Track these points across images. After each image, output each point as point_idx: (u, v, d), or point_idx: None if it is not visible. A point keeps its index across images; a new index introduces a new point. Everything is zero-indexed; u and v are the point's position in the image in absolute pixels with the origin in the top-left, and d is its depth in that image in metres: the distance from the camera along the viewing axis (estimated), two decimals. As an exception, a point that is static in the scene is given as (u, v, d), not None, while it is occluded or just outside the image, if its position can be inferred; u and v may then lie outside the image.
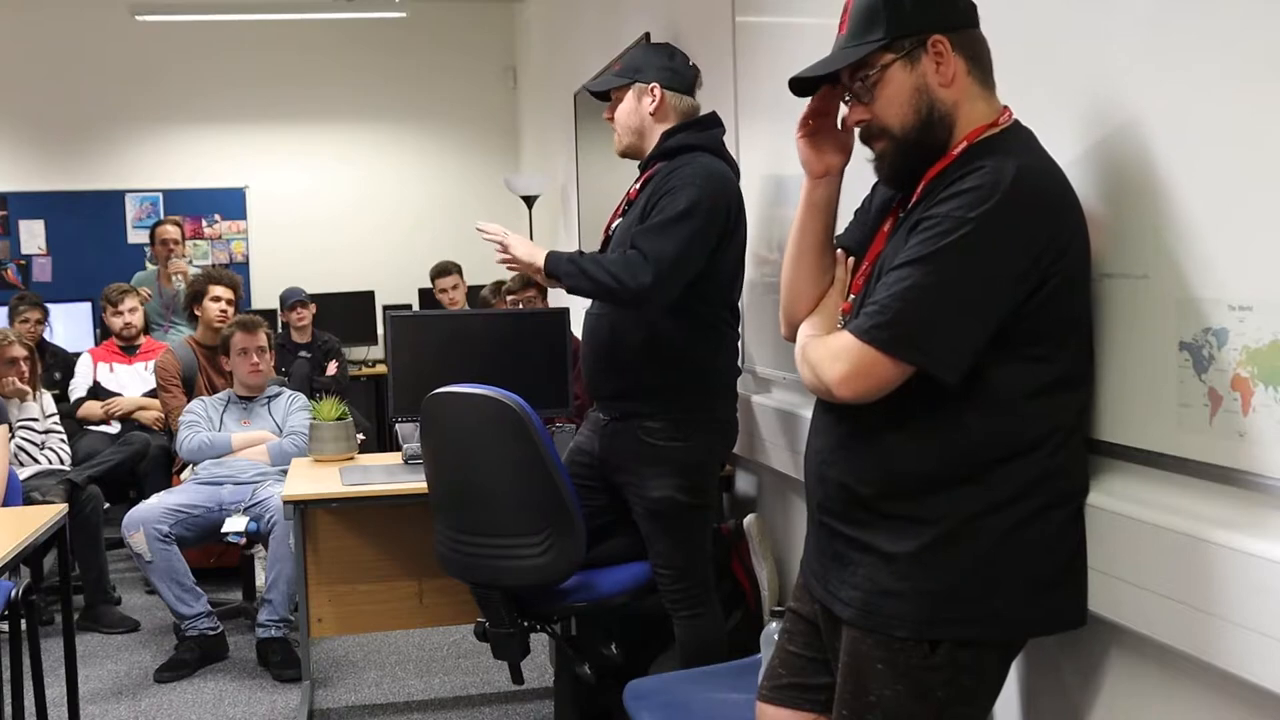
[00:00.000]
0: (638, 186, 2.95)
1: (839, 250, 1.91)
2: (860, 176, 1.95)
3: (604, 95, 3.06)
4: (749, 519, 3.30)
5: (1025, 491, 1.65)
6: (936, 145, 1.71)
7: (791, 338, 1.91)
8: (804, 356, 1.77)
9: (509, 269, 3.00)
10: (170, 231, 6.58)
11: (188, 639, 4.15)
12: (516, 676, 3.03)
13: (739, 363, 3.02)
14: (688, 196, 2.74)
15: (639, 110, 2.96)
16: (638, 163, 3.03)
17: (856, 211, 1.97)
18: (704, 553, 2.94)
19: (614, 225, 2.98)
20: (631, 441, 2.87)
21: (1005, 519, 1.65)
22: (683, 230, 2.73)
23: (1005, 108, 1.72)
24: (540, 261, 2.83)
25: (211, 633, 4.19)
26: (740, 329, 3.00)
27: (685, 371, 2.84)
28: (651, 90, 2.93)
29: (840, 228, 1.96)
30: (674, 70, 2.97)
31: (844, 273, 1.88)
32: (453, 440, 2.93)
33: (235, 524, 4.15)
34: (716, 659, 2.84)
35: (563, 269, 2.80)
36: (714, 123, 2.97)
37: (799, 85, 1.81)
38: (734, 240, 2.87)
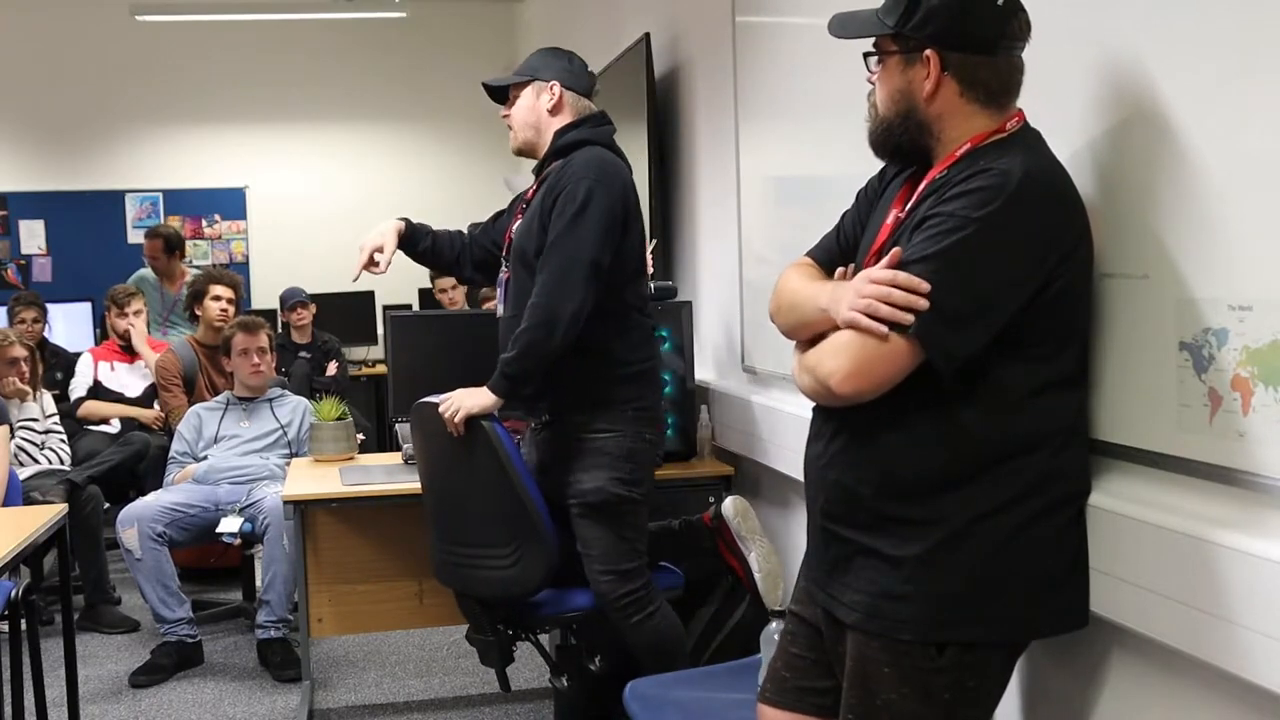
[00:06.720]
0: (534, 188, 2.96)
1: (840, 270, 1.86)
2: (861, 174, 1.95)
3: (500, 95, 3.05)
4: (726, 503, 3.23)
5: (1028, 493, 1.65)
6: (920, 145, 1.73)
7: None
8: (801, 363, 1.75)
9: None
10: (155, 246, 6.38)
11: (165, 644, 4.12)
12: (503, 684, 3.01)
13: (656, 351, 3.01)
14: (584, 189, 2.77)
15: (536, 107, 2.95)
16: (533, 165, 3.03)
17: (858, 195, 1.96)
18: (642, 549, 2.92)
19: (514, 228, 2.97)
20: (563, 440, 2.89)
21: (1008, 520, 1.64)
22: (584, 228, 2.75)
23: (1017, 111, 1.71)
24: (492, 396, 2.79)
25: (190, 640, 4.14)
26: (651, 318, 2.99)
27: (601, 363, 2.85)
28: (550, 88, 2.94)
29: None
30: (572, 71, 2.98)
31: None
32: (430, 449, 2.95)
33: (229, 525, 4.13)
34: (679, 655, 2.85)
35: (510, 375, 2.78)
36: (604, 120, 2.99)
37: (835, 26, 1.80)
38: (633, 227, 2.88)
